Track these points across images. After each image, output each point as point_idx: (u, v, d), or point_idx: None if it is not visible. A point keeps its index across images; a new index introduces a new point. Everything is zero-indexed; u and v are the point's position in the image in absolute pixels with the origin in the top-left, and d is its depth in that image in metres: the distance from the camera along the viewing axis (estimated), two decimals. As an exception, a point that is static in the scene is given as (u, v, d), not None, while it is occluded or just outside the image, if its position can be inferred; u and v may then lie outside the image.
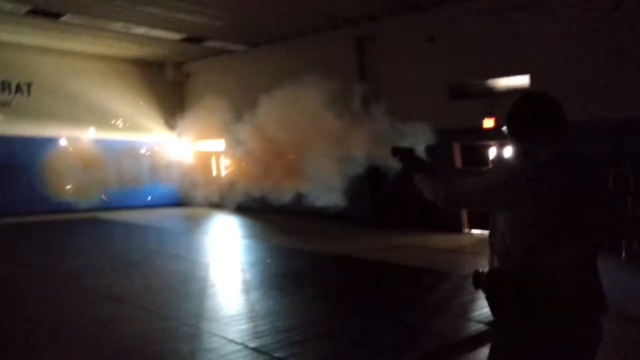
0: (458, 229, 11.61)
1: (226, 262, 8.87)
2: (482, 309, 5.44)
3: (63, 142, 16.26)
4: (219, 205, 17.55)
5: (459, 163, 12.03)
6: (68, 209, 15.22)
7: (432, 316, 5.70)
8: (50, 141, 15.89)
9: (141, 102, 17.82)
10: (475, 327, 5.23)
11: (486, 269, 2.41)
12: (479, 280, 2.39)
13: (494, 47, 10.83)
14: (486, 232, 2.53)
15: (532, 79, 10.54)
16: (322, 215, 13.74)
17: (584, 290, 2.23)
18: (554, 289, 2.18)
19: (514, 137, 2.39)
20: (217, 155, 18.20)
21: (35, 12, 12.24)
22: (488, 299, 2.38)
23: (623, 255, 8.65)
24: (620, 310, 5.80)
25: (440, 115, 11.29)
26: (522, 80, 10.79)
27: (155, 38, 14.61)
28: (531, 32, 10.26)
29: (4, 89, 15.50)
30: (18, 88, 15.71)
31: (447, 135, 11.72)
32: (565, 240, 2.20)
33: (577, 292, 2.21)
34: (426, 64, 11.81)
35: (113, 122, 17.10)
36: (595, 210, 2.27)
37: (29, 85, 15.84)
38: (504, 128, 2.43)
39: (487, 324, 5.12)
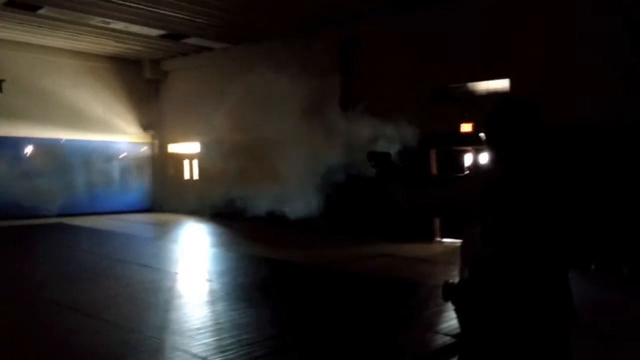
0: (430, 238, 11.63)
1: (194, 272, 8.71)
2: (450, 320, 5.42)
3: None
4: (191, 211, 17.36)
5: (434, 169, 11.96)
6: (36, 214, 14.91)
7: (401, 328, 5.67)
8: (22, 142, 15.51)
9: (115, 102, 17.52)
10: (443, 340, 5.20)
11: (456, 280, 2.37)
12: (448, 292, 2.35)
13: (475, 50, 10.80)
14: (459, 241, 2.49)
15: (512, 82, 10.51)
16: (294, 223, 13.69)
17: (554, 301, 2.20)
18: (523, 299, 2.14)
19: (490, 142, 2.36)
20: (191, 157, 17.98)
21: (13, 4, 11.94)
22: (456, 310, 2.34)
23: (592, 266, 8.61)
24: (587, 325, 5.84)
25: (420, 118, 11.23)
26: (502, 84, 10.75)
27: (134, 34, 14.38)
28: (512, 35, 10.26)
29: None
30: None
31: (424, 140, 11.68)
32: (536, 250, 2.17)
33: (547, 303, 2.17)
34: (408, 66, 11.69)
35: (85, 122, 16.77)
36: (567, 220, 2.24)
37: (0, 83, 15.27)
38: (481, 133, 2.40)
39: (454, 336, 5.10)
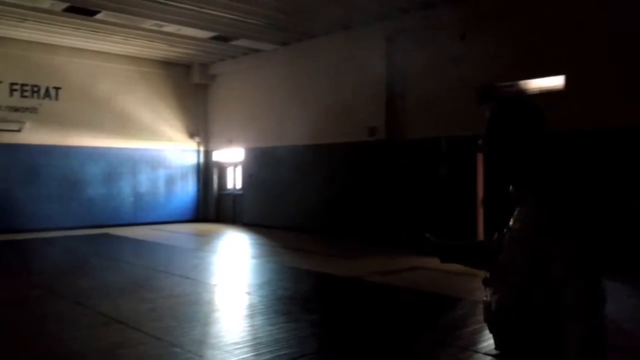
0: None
1: (233, 284, 8.83)
2: (490, 339, 5.31)
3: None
4: (234, 220, 17.61)
5: (481, 177, 11.61)
6: (83, 224, 15.39)
7: (439, 347, 5.61)
8: (72, 151, 15.99)
9: (164, 108, 17.85)
10: (482, 360, 5.12)
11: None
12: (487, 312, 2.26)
13: (527, 45, 10.38)
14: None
15: (567, 80, 10.05)
16: (341, 234, 13.71)
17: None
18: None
19: (490, 151, 2.09)
20: (235, 165, 18.15)
21: (72, 10, 12.38)
22: (492, 331, 2.27)
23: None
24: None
25: (467, 120, 10.95)
26: (556, 82, 10.29)
27: (185, 37, 14.72)
28: (568, 27, 9.86)
29: (32, 94, 15.48)
30: (47, 93, 15.70)
31: (470, 144, 11.34)
32: None
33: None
34: (456, 64, 11.32)
35: (134, 129, 17.12)
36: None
37: (57, 90, 15.83)
38: (479, 141, 2.14)
39: (494, 356, 5.01)
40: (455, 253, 2.45)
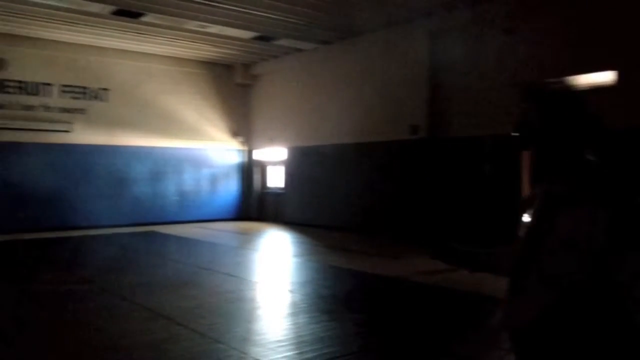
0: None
1: (275, 282, 8.87)
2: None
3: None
4: (275, 219, 17.73)
5: (527, 178, 11.30)
6: (130, 222, 15.75)
7: (485, 349, 5.50)
8: (118, 150, 16.37)
9: (207, 108, 18.10)
10: (530, 363, 4.98)
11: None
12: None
13: (576, 40, 10.07)
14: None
15: (619, 75, 9.64)
16: (383, 233, 13.63)
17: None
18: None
19: (529, 145, 2.06)
20: (278, 164, 18.27)
21: (119, 13, 12.71)
22: (519, 337, 2.18)
23: None
24: None
25: (513, 118, 10.65)
26: (606, 77, 9.88)
27: (228, 37, 14.89)
28: (618, 21, 9.50)
29: (82, 95, 15.89)
30: (95, 94, 16.10)
31: (516, 142, 11.06)
32: None
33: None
34: (501, 60, 11.13)
35: (178, 129, 17.42)
36: None
37: (105, 91, 16.23)
38: (514, 133, 2.12)
39: None
40: (484, 262, 2.38)
